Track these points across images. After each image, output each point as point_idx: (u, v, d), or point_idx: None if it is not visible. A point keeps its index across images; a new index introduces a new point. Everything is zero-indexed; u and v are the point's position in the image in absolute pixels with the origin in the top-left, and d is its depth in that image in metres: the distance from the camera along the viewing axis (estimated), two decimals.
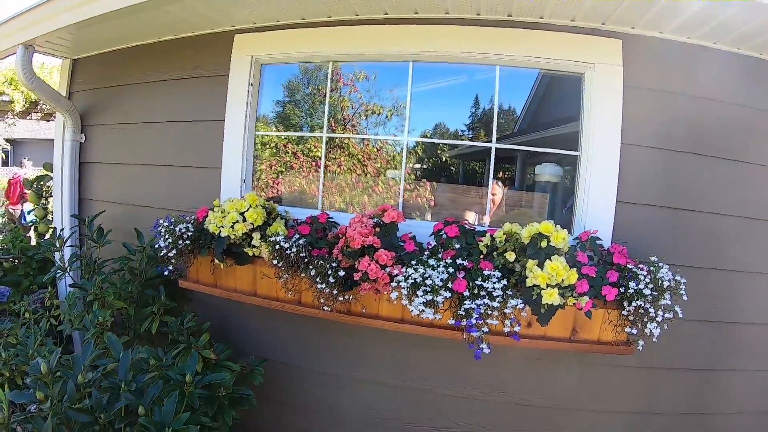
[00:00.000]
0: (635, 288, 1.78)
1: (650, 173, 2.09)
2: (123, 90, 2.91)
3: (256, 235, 2.08)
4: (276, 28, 2.40)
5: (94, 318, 2.27)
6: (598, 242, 1.93)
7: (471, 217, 2.65)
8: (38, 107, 6.31)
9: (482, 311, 1.75)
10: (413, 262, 1.84)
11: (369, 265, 1.81)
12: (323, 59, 2.43)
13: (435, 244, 1.99)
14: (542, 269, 1.74)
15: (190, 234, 2.19)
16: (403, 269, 1.83)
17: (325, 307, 1.95)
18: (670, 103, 2.09)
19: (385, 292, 1.86)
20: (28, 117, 6.71)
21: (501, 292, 1.76)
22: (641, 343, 1.83)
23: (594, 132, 2.08)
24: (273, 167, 2.80)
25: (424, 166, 3.40)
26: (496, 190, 2.58)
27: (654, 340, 1.79)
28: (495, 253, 1.91)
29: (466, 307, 1.76)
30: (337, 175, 2.88)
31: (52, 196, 3.20)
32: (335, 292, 1.89)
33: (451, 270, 1.80)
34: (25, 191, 3.60)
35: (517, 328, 1.78)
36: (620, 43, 2.08)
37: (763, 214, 2.10)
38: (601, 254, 1.93)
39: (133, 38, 2.80)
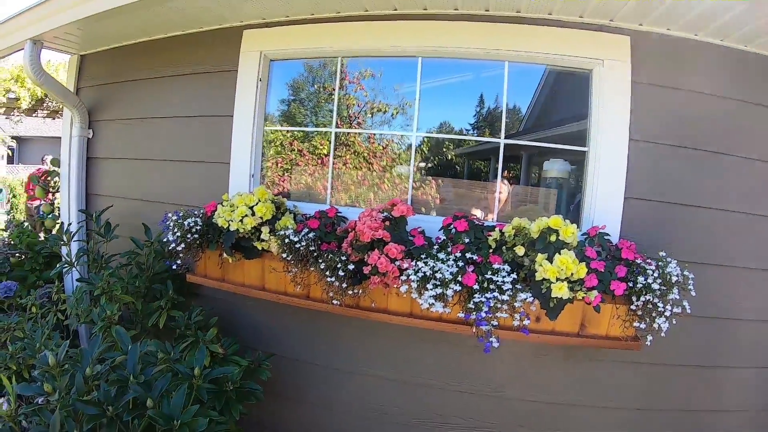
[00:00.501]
0: (644, 282, 1.78)
1: (658, 169, 2.09)
2: (131, 86, 2.92)
3: (265, 229, 2.09)
4: (285, 23, 2.41)
5: (102, 312, 2.28)
6: (606, 237, 1.93)
7: (478, 214, 2.66)
8: (44, 104, 6.33)
9: (492, 304, 1.76)
10: (423, 256, 1.85)
11: (379, 258, 1.81)
12: (332, 55, 2.44)
13: (444, 238, 2.00)
14: (551, 263, 1.75)
15: (198, 228, 2.20)
16: (413, 263, 1.84)
17: (335, 301, 1.95)
18: (678, 100, 2.10)
19: (395, 286, 1.86)
20: (33, 114, 6.73)
21: (510, 286, 1.76)
22: (649, 338, 1.83)
23: (602, 128, 2.09)
24: (279, 164, 2.81)
25: (429, 165, 3.41)
26: (502, 189, 2.59)
27: (662, 334, 1.79)
28: (504, 247, 1.92)
29: (476, 300, 1.77)
30: (343, 173, 2.89)
31: (59, 192, 3.21)
32: (344, 285, 1.90)
33: (460, 264, 1.81)
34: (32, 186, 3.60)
35: (526, 322, 1.78)
36: (628, 39, 2.08)
37: None
38: (609, 250, 1.93)
39: (141, 34, 2.81)
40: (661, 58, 2.10)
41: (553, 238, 1.81)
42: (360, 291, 1.94)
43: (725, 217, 2.10)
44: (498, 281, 1.77)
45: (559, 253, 1.75)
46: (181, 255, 2.24)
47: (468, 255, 1.86)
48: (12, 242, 3.52)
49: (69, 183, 3.02)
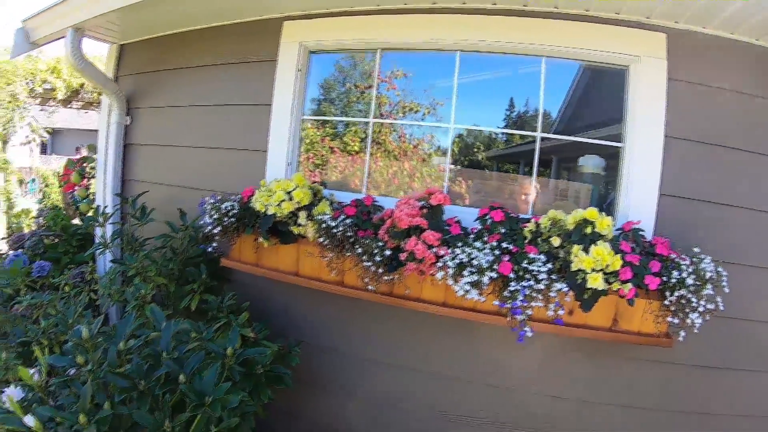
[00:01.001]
0: (678, 277, 1.79)
1: (693, 167, 2.10)
2: (169, 74, 2.99)
3: (303, 214, 2.13)
4: (325, 15, 2.46)
5: (136, 291, 2.34)
6: (640, 233, 1.94)
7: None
8: (79, 95, 6.48)
9: (527, 293, 1.78)
10: (459, 244, 1.87)
11: (416, 245, 1.85)
12: (370, 47, 2.48)
13: (480, 227, 2.02)
14: (587, 254, 1.76)
15: (235, 212, 2.25)
16: (449, 250, 1.86)
17: (370, 287, 1.99)
18: (713, 98, 2.10)
19: (430, 273, 1.89)
20: (69, 105, 6.89)
21: (546, 276, 1.78)
22: (682, 333, 1.83)
23: (638, 124, 2.10)
24: (311, 160, 2.86)
25: (458, 167, 3.43)
26: (531, 191, 2.60)
27: (695, 330, 1.80)
28: (539, 239, 1.94)
29: (512, 288, 1.79)
30: (374, 170, 2.92)
31: (94, 178, 3.29)
32: (380, 271, 1.93)
33: (497, 252, 1.84)
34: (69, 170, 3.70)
35: (561, 312, 1.80)
36: (664, 37, 2.10)
37: None
38: (643, 245, 1.94)
39: (182, 23, 2.88)
40: (698, 56, 2.10)
41: (588, 229, 1.83)
42: (395, 277, 1.97)
43: (759, 218, 2.10)
44: (534, 270, 1.79)
45: (595, 245, 1.77)
46: (216, 238, 2.29)
47: (504, 245, 1.88)
48: (47, 224, 3.62)
49: (105, 168, 3.10)
